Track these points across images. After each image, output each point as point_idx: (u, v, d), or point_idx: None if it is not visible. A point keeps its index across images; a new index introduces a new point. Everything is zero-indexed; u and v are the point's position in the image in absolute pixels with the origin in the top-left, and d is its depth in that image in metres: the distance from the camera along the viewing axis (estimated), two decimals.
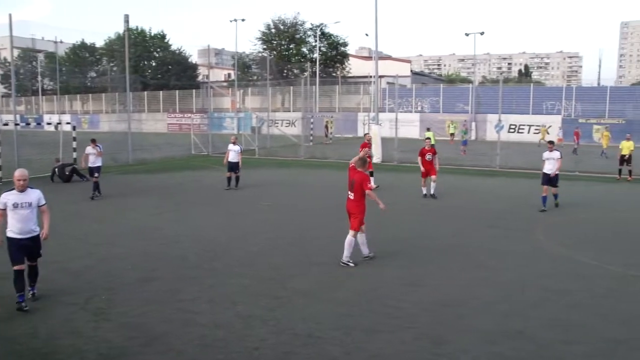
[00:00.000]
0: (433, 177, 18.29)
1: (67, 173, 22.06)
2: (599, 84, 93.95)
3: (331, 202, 17.50)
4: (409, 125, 50.46)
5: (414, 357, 6.61)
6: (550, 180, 16.15)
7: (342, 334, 7.21)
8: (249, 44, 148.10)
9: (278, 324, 7.51)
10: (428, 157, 18.40)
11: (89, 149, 18.49)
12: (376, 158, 30.28)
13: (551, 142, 17.16)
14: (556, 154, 16.20)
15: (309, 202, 17.47)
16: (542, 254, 11.53)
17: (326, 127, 47.75)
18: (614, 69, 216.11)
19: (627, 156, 24.15)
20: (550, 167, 16.15)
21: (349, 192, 10.84)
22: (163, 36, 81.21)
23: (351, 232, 10.56)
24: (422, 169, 18.54)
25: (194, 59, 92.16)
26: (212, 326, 7.44)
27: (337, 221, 14.54)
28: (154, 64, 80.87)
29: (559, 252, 11.69)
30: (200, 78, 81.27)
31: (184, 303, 8.31)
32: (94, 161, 18.44)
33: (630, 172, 24.01)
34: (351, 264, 10.33)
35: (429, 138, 19.23)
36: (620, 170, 24.25)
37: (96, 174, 18.26)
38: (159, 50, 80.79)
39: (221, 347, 6.81)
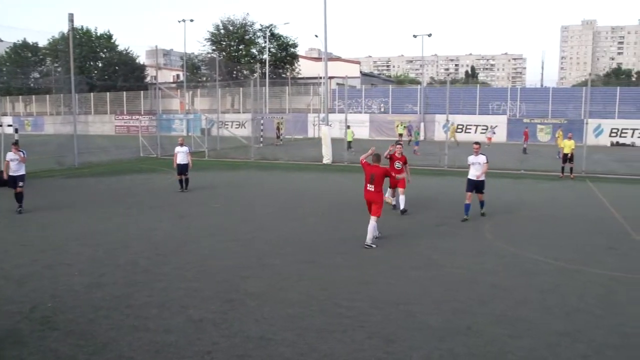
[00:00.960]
0: (401, 189, 15.85)
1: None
2: (542, 85, 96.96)
3: (282, 203, 17.57)
4: (358, 126, 50.85)
5: (366, 355, 6.69)
6: (476, 187, 14.99)
7: (294, 335, 7.24)
8: (198, 45, 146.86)
9: (230, 327, 7.49)
10: (397, 165, 15.95)
11: (11, 155, 16.20)
12: (326, 159, 30.52)
13: (477, 143, 15.59)
14: (482, 158, 14.92)
15: (260, 204, 17.44)
16: (490, 251, 11.84)
17: (278, 128, 47.73)
18: (555, 71, 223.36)
19: (569, 155, 25.01)
20: (475, 172, 14.94)
21: (369, 185, 12.11)
22: (109, 36, 79.51)
23: (373, 218, 11.97)
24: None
25: (142, 59, 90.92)
26: (162, 331, 7.36)
27: (289, 221, 14.64)
28: (100, 64, 79.08)
29: (506, 249, 12.02)
30: (148, 79, 79.98)
31: (133, 309, 8.20)
32: (17, 169, 16.05)
33: (571, 169, 24.86)
34: (374, 246, 11.81)
35: (400, 144, 16.55)
36: (563, 168, 25.09)
37: (20, 184, 15.96)
38: (105, 50, 79.05)
39: (172, 353, 6.75)
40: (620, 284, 9.65)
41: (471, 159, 15.13)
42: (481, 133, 53.38)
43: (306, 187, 21.49)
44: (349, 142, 37.65)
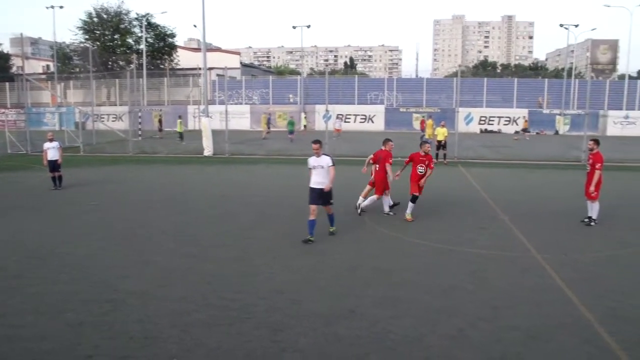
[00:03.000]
0: (377, 196, 14.52)
1: None
2: (416, 75, 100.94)
3: (162, 197, 17.13)
4: (239, 117, 50.64)
5: (254, 346, 6.71)
6: (321, 197, 11.60)
7: (180, 331, 7.12)
8: (69, 34, 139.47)
9: (112, 329, 7.23)
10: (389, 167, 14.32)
11: None
12: (207, 151, 30.12)
13: (316, 142, 11.77)
14: (325, 161, 11.72)
15: (140, 199, 16.90)
16: (371, 236, 12.26)
17: (159, 120, 46.39)
18: (429, 62, 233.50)
19: (442, 142, 26.37)
20: (318, 178, 11.66)
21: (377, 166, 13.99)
22: None
23: (376, 196, 14.06)
24: (372, 177, 14.76)
25: (6, 48, 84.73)
26: (38, 339, 6.94)
27: (170, 216, 14.31)
28: None
29: (386, 233, 12.50)
30: (14, 70, 74.76)
31: (4, 317, 7.65)
32: None
33: (445, 155, 26.23)
34: (392, 213, 13.51)
35: (389, 140, 14.72)
36: (437, 155, 26.37)
37: None
38: None
39: None
40: (489, 261, 10.35)
41: (312, 161, 11.78)
42: (360, 122, 54.87)
43: (187, 181, 21.09)
44: (180, 134, 37.67)
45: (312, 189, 11.75)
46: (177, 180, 21.34)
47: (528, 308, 7.97)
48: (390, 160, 14.11)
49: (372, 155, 14.59)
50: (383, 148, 14.41)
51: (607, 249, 11.36)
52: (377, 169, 14.32)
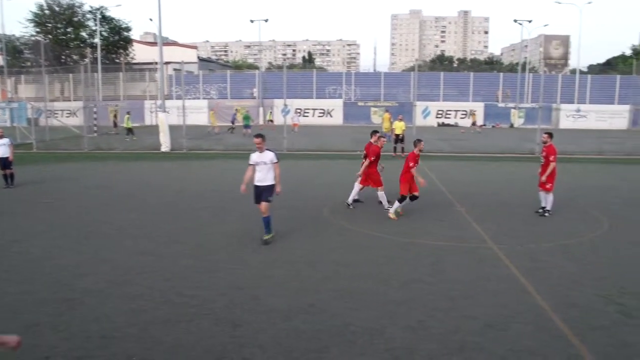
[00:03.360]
0: (360, 186, 14.76)
1: None
2: (374, 70, 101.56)
3: (118, 194, 16.85)
4: (197, 112, 50.16)
5: (214, 342, 6.66)
6: (264, 194, 10.95)
7: (138, 329, 7.01)
8: (20, 26, 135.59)
9: (69, 329, 7.07)
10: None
11: None
12: (165, 147, 29.74)
13: (258, 136, 11.01)
14: (269, 156, 10.96)
15: (96, 196, 16.58)
16: (331, 229, 12.30)
17: (115, 116, 45.56)
18: (387, 57, 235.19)
19: (400, 135, 26.65)
20: (261, 175, 10.95)
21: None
22: None
23: (360, 186, 14.25)
24: (362, 172, 14.56)
25: None
26: None
27: (126, 213, 14.08)
28: None
29: (345, 227, 12.56)
30: None
31: None
32: None
33: (402, 149, 26.50)
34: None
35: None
36: (395, 148, 26.67)
37: None
38: None
39: None
40: (447, 252, 10.51)
41: (254, 157, 10.99)
42: (319, 117, 54.96)
43: (144, 177, 20.79)
44: (129, 129, 37.23)
45: (256, 187, 11.02)
46: (134, 176, 21.03)
47: (485, 298, 8.12)
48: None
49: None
50: (372, 141, 14.60)
51: (561, 238, 11.66)
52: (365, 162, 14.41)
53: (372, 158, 14.23)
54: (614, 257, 10.34)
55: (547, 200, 13.75)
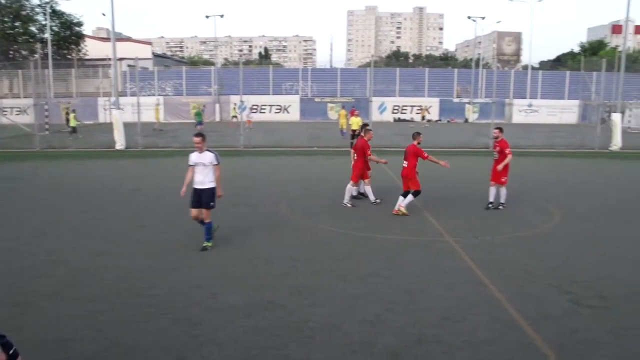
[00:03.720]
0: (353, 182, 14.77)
1: None
2: (331, 66, 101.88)
3: (72, 194, 16.50)
4: (152, 109, 49.35)
5: (172, 342, 6.60)
6: (202, 199, 10.22)
7: (95, 331, 6.88)
8: None
9: (21, 333, 6.85)
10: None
11: None
12: (119, 145, 29.23)
13: (198, 135, 10.35)
14: (208, 157, 10.20)
15: (48, 196, 16.17)
16: (288, 226, 12.31)
17: (67, 113, 44.49)
18: (343, 53, 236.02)
19: (357, 131, 26.74)
20: (200, 178, 10.22)
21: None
22: None
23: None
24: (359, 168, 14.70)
25: None
26: None
27: (81, 213, 13.80)
28: None
29: (303, 222, 12.60)
30: None
31: None
32: None
33: None
34: (379, 201, 14.16)
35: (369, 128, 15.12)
36: (352, 144, 26.71)
37: None
38: None
39: None
40: (404, 247, 10.67)
41: (193, 158, 10.32)
42: (275, 113, 54.91)
43: (99, 176, 20.39)
44: (73, 128, 36.37)
45: (194, 190, 10.29)
46: (88, 175, 20.61)
47: (441, 290, 8.27)
48: (369, 152, 14.48)
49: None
50: (362, 136, 14.85)
51: (515, 230, 11.95)
52: (356, 157, 14.60)
53: (369, 152, 14.51)
54: (564, 248, 10.66)
55: (500, 193, 14.05)
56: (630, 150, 29.47)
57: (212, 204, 10.27)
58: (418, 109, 55.59)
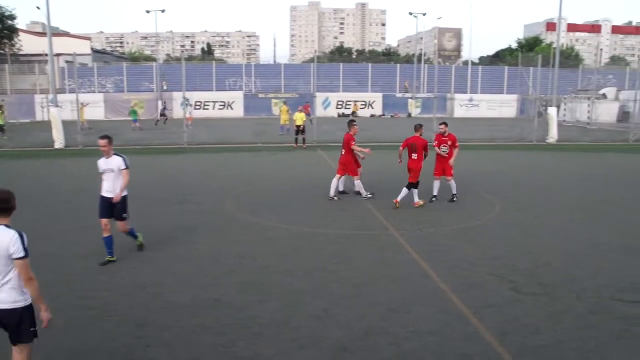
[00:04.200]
0: (339, 176, 14.92)
1: None
2: (274, 61, 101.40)
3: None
4: (93, 106, 48.06)
5: (117, 344, 6.47)
6: (112, 209, 9.43)
7: None
8: None
9: None
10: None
11: None
12: (58, 143, 28.38)
13: (104, 138, 9.41)
14: (116, 162, 9.43)
15: None
16: (233, 223, 12.21)
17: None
18: (286, 48, 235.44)
19: (301, 126, 26.80)
20: (109, 185, 9.44)
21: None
22: None
23: (338, 176, 14.33)
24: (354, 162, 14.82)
25: None
26: None
27: (19, 214, 13.19)
28: None
29: (248, 219, 12.52)
30: None
31: None
32: None
33: (304, 140, 26.70)
34: (336, 198, 14.31)
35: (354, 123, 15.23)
36: (296, 139, 26.82)
37: None
38: None
39: None
40: (350, 241, 10.76)
41: (101, 164, 9.52)
42: (219, 109, 54.31)
43: (38, 176, 19.75)
44: (1, 126, 34.94)
45: (102, 198, 9.43)
46: (27, 175, 19.91)
47: (388, 283, 8.38)
48: (353, 143, 14.51)
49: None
50: (349, 132, 14.76)
51: (458, 222, 12.21)
52: (344, 152, 14.62)
53: (353, 143, 14.53)
54: (505, 238, 10.97)
55: (452, 186, 14.31)
56: (565, 143, 30.55)
57: (124, 215, 9.52)
58: (362, 104, 56.06)
